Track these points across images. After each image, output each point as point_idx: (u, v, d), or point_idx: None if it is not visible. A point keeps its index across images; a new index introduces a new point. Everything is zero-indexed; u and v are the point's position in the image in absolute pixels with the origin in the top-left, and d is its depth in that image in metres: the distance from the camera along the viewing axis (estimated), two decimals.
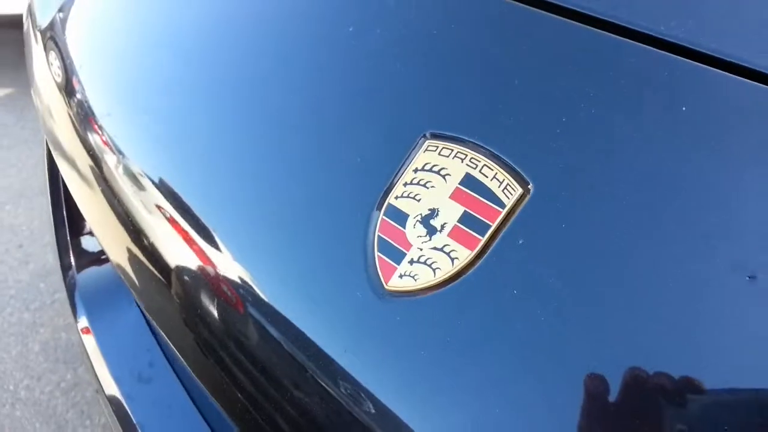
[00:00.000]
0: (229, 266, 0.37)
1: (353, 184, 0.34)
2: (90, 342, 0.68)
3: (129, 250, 0.46)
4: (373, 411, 0.31)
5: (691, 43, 0.30)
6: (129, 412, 0.61)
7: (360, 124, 0.35)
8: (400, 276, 0.31)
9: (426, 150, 0.33)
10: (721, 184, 0.27)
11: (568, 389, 0.27)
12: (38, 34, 0.63)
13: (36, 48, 0.63)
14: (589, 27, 0.32)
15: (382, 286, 0.32)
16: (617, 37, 0.32)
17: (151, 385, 0.63)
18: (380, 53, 0.37)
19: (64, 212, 0.70)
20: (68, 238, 0.68)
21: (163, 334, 0.46)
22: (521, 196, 0.30)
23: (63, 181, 0.69)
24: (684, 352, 0.25)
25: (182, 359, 0.44)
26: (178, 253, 0.41)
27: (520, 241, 0.29)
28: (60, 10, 0.60)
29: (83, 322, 0.69)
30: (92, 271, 0.69)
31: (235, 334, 0.37)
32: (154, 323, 0.55)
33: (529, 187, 0.30)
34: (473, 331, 0.29)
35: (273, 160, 0.38)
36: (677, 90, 0.29)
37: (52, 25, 0.60)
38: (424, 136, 0.33)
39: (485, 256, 0.30)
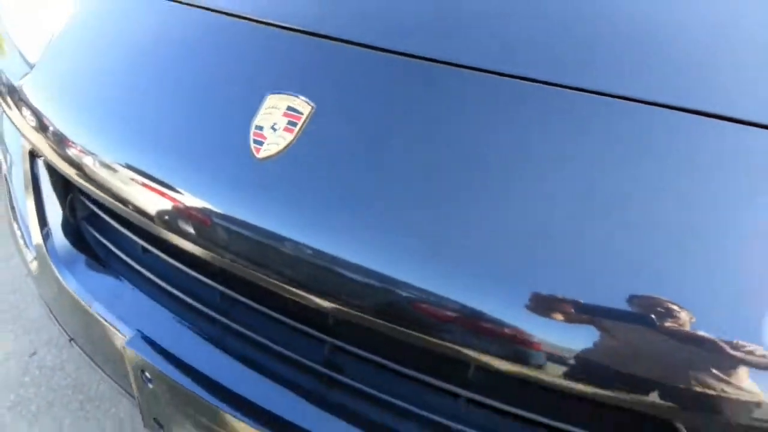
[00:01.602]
0: (165, 153, 0.75)
1: (238, 113, 0.73)
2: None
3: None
4: (251, 235, 0.68)
5: None
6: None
7: (246, 84, 0.75)
8: (263, 151, 0.70)
9: (271, 96, 0.72)
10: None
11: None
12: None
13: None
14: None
15: (255, 156, 0.70)
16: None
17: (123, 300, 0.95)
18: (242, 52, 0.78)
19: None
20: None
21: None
22: (311, 110, 0.70)
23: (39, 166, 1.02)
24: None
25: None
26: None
27: (314, 127, 0.69)
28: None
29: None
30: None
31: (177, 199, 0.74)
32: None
33: (314, 106, 0.70)
34: (300, 170, 0.68)
35: (191, 99, 0.77)
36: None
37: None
38: (271, 91, 0.73)
39: (298, 138, 0.69)
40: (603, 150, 0.58)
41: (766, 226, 0.53)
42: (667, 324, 0.52)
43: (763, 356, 0.51)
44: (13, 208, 1.18)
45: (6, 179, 1.22)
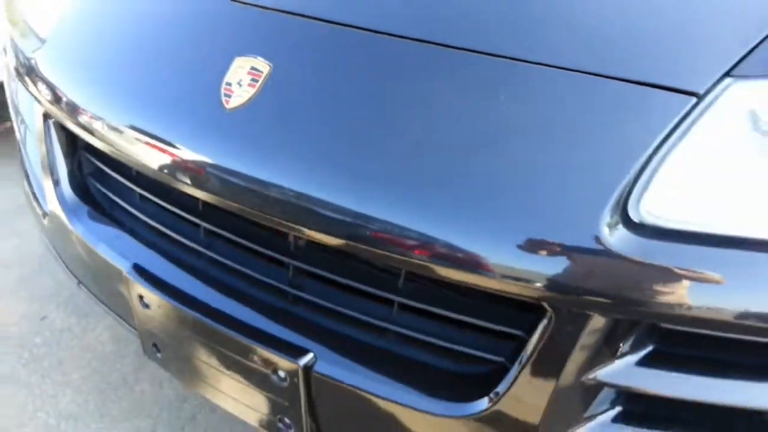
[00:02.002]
0: (154, 108, 0.92)
1: (211, 73, 0.90)
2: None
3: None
4: (224, 170, 0.85)
5: None
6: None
7: (218, 50, 0.92)
8: (231, 103, 0.87)
9: (238, 58, 0.89)
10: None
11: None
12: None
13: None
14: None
15: (225, 108, 0.87)
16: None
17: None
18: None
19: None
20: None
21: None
22: (269, 69, 0.87)
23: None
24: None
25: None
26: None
27: (274, 85, 0.86)
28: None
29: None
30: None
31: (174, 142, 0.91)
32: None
33: (271, 66, 0.87)
34: (261, 117, 0.85)
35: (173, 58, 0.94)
36: None
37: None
38: (238, 54, 0.89)
39: (259, 91, 0.86)
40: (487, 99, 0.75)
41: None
42: (526, 229, 0.69)
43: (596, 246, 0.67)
44: (27, 174, 1.35)
45: (20, 148, 1.40)
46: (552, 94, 0.74)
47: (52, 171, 1.16)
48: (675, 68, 0.73)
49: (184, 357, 1.03)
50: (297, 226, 0.83)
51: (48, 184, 1.18)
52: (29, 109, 1.25)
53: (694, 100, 0.70)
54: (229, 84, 0.86)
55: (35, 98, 1.11)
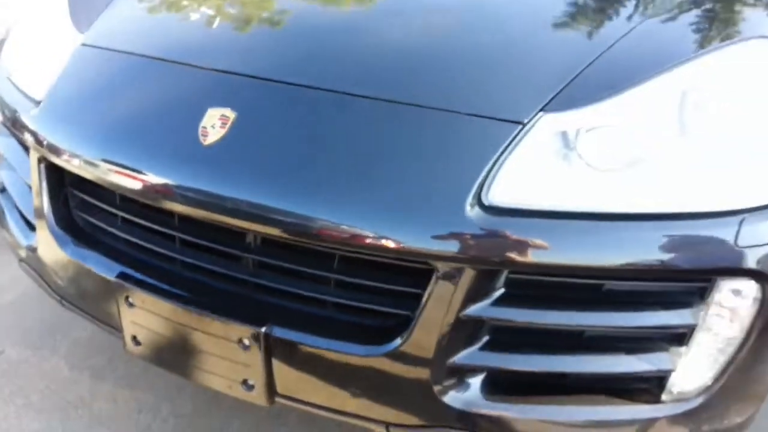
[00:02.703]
0: (145, 149, 1.24)
1: (190, 120, 1.23)
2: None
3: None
4: (201, 190, 1.18)
5: None
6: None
7: (196, 103, 1.26)
8: (207, 141, 1.20)
9: (210, 109, 1.23)
10: None
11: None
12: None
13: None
14: None
15: (203, 144, 1.20)
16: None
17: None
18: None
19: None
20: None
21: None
22: (235, 116, 1.21)
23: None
24: None
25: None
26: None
27: (238, 126, 1.21)
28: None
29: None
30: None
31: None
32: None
33: (236, 113, 1.21)
34: (229, 150, 1.18)
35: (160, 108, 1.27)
36: None
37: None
38: (210, 105, 1.23)
39: (228, 132, 1.20)
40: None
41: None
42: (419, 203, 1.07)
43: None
44: (4, 214, 1.62)
45: None
46: (434, 125, 1.14)
47: (43, 206, 1.44)
48: (509, 107, 1.14)
49: (163, 343, 1.32)
50: (255, 227, 1.16)
51: (40, 218, 1.45)
52: (18, 157, 1.53)
53: (520, 126, 1.11)
54: (204, 127, 1.20)
55: (34, 147, 1.39)
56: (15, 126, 1.46)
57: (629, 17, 1.32)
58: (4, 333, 2.12)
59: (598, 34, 1.29)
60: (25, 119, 1.43)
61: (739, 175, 1.08)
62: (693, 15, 1.34)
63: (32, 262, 1.55)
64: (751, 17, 1.35)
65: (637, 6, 1.39)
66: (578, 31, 1.34)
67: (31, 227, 1.55)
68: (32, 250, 1.52)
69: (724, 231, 1.04)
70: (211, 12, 1.51)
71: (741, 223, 1.04)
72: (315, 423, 1.75)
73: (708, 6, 1.37)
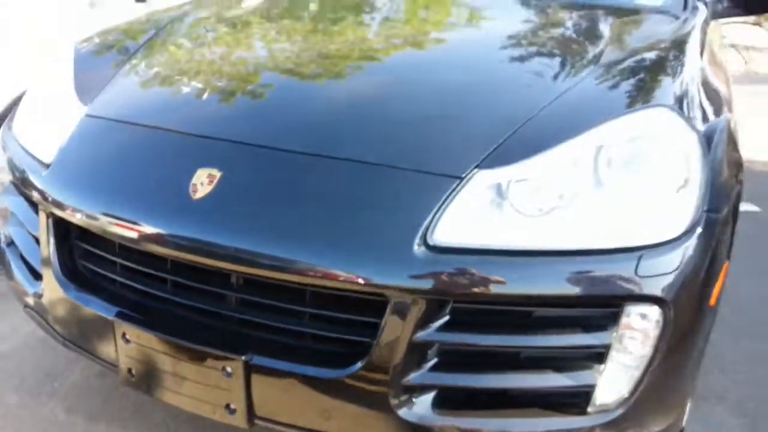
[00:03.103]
0: (143, 206, 1.46)
1: (182, 179, 1.44)
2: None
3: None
4: (193, 238, 1.39)
5: None
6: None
7: (187, 164, 1.48)
8: (197, 195, 1.41)
9: (199, 169, 1.45)
10: None
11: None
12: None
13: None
14: None
15: (193, 198, 1.41)
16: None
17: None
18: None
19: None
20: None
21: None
22: (221, 175, 1.43)
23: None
24: None
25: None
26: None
27: (223, 183, 1.42)
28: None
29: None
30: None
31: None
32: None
33: (222, 172, 1.43)
34: (217, 203, 1.40)
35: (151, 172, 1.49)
36: None
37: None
38: (199, 166, 1.45)
39: (215, 188, 1.41)
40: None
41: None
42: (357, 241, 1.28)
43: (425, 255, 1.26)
44: (10, 267, 1.81)
45: (4, 248, 1.85)
46: (388, 180, 1.36)
47: (50, 256, 1.63)
48: (451, 164, 1.37)
49: (155, 374, 1.50)
50: (238, 268, 1.36)
51: (46, 267, 1.65)
52: (26, 213, 1.74)
53: (459, 180, 1.33)
54: (194, 184, 1.41)
55: (43, 204, 1.59)
56: (25, 185, 1.67)
57: (554, 86, 1.57)
58: (3, 379, 2.27)
59: (527, 102, 1.53)
60: (36, 180, 1.64)
61: (639, 219, 1.31)
62: (607, 84, 1.59)
63: (37, 308, 1.73)
64: (657, 88, 1.60)
65: (563, 76, 1.64)
66: (511, 99, 1.59)
67: (37, 276, 1.74)
68: (38, 296, 1.70)
69: (626, 264, 1.26)
70: (200, 86, 1.75)
71: (640, 258, 1.26)
72: None
73: (621, 76, 1.62)
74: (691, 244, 1.30)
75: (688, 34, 2.01)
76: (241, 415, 1.42)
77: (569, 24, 2.17)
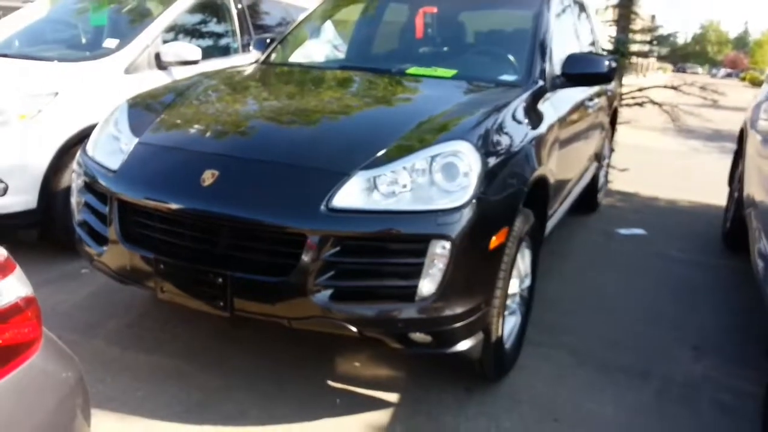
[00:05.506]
0: (175, 194, 2.61)
1: (194, 175, 2.59)
2: None
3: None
4: (202, 212, 2.53)
5: None
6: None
7: (197, 167, 2.64)
8: (205, 183, 2.56)
9: (206, 170, 2.61)
10: None
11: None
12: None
13: None
14: None
15: (203, 186, 2.56)
16: None
17: None
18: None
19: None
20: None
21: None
22: (219, 173, 2.59)
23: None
24: None
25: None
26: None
27: (220, 177, 2.57)
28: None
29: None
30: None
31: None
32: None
33: (219, 172, 2.59)
34: (220, 188, 2.55)
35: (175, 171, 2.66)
36: None
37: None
38: (205, 168, 2.61)
39: (216, 180, 2.56)
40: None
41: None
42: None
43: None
44: (81, 237, 2.95)
45: (78, 223, 2.99)
46: (308, 173, 2.54)
47: (114, 226, 2.77)
48: (345, 166, 2.54)
49: (176, 287, 2.62)
50: (227, 223, 2.52)
51: (112, 233, 2.78)
52: (96, 201, 2.88)
53: (349, 175, 2.51)
54: (203, 178, 2.57)
55: (111, 194, 2.74)
56: (97, 184, 2.83)
57: (412, 122, 2.79)
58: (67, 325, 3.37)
59: (394, 131, 2.73)
60: (106, 180, 2.80)
61: (443, 196, 2.48)
62: (445, 122, 2.81)
63: (103, 261, 2.86)
64: (472, 128, 2.78)
65: (421, 117, 2.85)
66: (386, 131, 2.77)
67: (101, 242, 2.86)
68: (102, 254, 2.84)
69: (432, 217, 2.42)
70: (206, 125, 2.94)
71: (439, 214, 2.43)
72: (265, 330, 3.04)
73: (456, 118, 2.84)
74: (467, 210, 2.46)
75: (518, 97, 3.23)
76: (225, 307, 2.55)
77: (441, 90, 3.41)
